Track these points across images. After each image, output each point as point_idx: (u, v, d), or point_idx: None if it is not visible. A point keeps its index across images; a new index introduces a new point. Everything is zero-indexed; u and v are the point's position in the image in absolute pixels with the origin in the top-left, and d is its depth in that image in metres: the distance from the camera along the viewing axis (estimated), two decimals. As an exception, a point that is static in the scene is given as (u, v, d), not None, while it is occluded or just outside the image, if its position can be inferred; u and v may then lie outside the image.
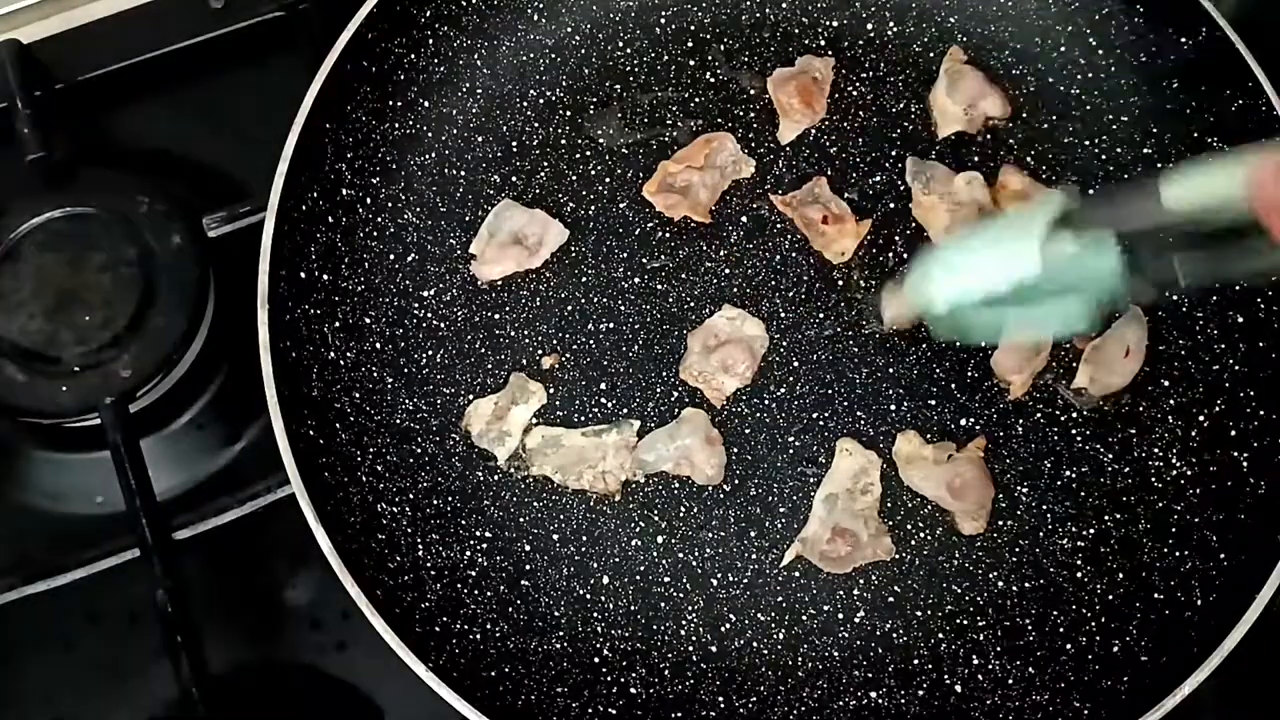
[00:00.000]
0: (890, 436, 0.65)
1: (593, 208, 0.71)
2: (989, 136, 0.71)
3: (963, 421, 0.65)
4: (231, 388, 0.71)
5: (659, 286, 0.69)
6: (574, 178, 0.72)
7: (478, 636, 0.61)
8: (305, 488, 0.59)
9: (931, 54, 0.73)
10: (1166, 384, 0.66)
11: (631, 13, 0.75)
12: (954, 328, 0.57)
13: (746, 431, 0.66)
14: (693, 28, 0.75)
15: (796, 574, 0.63)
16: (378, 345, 0.68)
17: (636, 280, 0.69)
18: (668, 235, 0.70)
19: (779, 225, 0.70)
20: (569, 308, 0.69)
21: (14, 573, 0.64)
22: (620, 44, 0.74)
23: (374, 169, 0.70)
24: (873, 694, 0.61)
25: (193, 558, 0.64)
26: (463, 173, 0.72)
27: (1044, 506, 0.64)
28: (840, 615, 0.62)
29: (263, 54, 0.77)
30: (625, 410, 0.66)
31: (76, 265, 0.68)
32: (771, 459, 0.65)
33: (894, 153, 0.71)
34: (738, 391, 0.66)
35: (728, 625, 0.62)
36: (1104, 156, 0.70)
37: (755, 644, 0.62)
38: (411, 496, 0.65)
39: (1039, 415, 0.65)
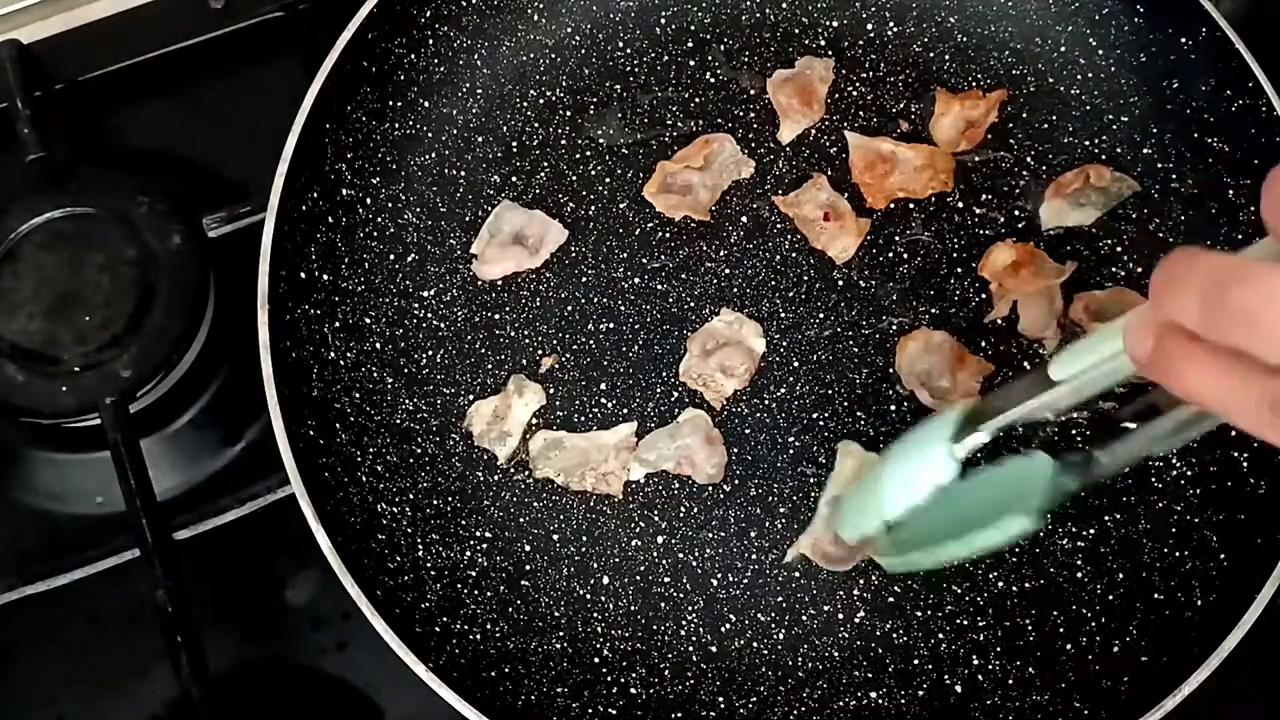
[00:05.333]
0: (890, 437, 0.65)
1: (593, 208, 0.71)
2: (989, 136, 0.71)
3: (963, 421, 0.65)
4: (231, 388, 0.71)
5: (659, 286, 0.69)
6: (574, 178, 0.72)
7: (478, 636, 0.61)
8: (305, 488, 0.59)
9: (931, 54, 0.73)
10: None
11: (631, 13, 0.75)
12: (901, 559, 0.55)
13: (746, 432, 0.66)
14: (693, 28, 0.75)
15: (796, 574, 0.63)
16: (378, 345, 0.68)
17: (636, 280, 0.69)
18: (668, 235, 0.70)
19: (779, 225, 0.70)
20: (569, 308, 0.69)
21: (14, 573, 0.64)
22: (620, 44, 0.74)
23: (374, 169, 0.70)
24: (873, 694, 0.61)
25: (193, 558, 0.64)
26: (463, 173, 0.72)
27: (1044, 506, 0.64)
28: (840, 615, 0.62)
29: (263, 54, 0.77)
30: (625, 411, 0.66)
31: (76, 265, 0.68)
32: (771, 459, 0.65)
33: (894, 153, 0.71)
34: (737, 392, 0.66)
35: (728, 625, 0.62)
36: (1104, 157, 0.70)
37: (755, 644, 0.62)
38: (411, 496, 0.65)
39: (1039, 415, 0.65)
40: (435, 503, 0.65)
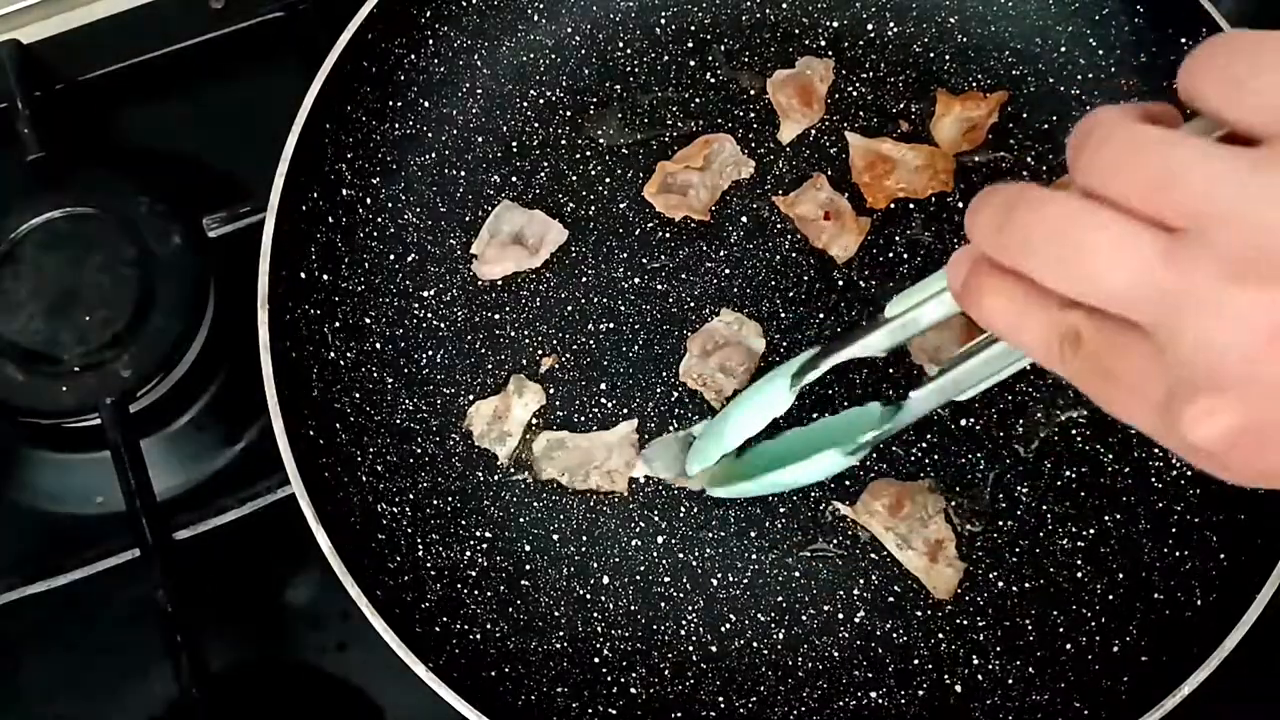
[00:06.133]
0: (890, 436, 0.65)
1: (593, 208, 0.71)
2: (989, 137, 0.71)
3: (963, 421, 0.65)
4: (231, 388, 0.71)
5: (659, 287, 0.69)
6: (574, 178, 0.72)
7: (478, 636, 0.61)
8: (305, 488, 0.59)
9: (931, 54, 0.73)
10: (1166, 384, 0.65)
11: (631, 13, 0.75)
12: (729, 488, 0.62)
13: (746, 431, 0.66)
14: (693, 28, 0.75)
15: (797, 574, 0.63)
16: (378, 345, 0.68)
17: (636, 280, 0.69)
18: (668, 235, 0.70)
19: (779, 225, 0.70)
20: (569, 308, 0.69)
21: (14, 573, 0.64)
22: (620, 44, 0.74)
23: (374, 169, 0.70)
24: (873, 694, 0.61)
25: (193, 558, 0.64)
26: (463, 173, 0.72)
27: (1044, 506, 0.64)
28: (840, 615, 0.62)
29: (263, 54, 0.77)
30: (625, 411, 0.66)
31: (76, 265, 0.68)
32: (771, 459, 0.65)
33: (894, 153, 0.71)
34: (737, 391, 0.66)
35: (728, 625, 0.62)
36: (1104, 156, 0.70)
37: (755, 644, 0.62)
38: (411, 496, 0.65)
39: (1039, 415, 0.65)
40: (435, 503, 0.65)
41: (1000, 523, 0.64)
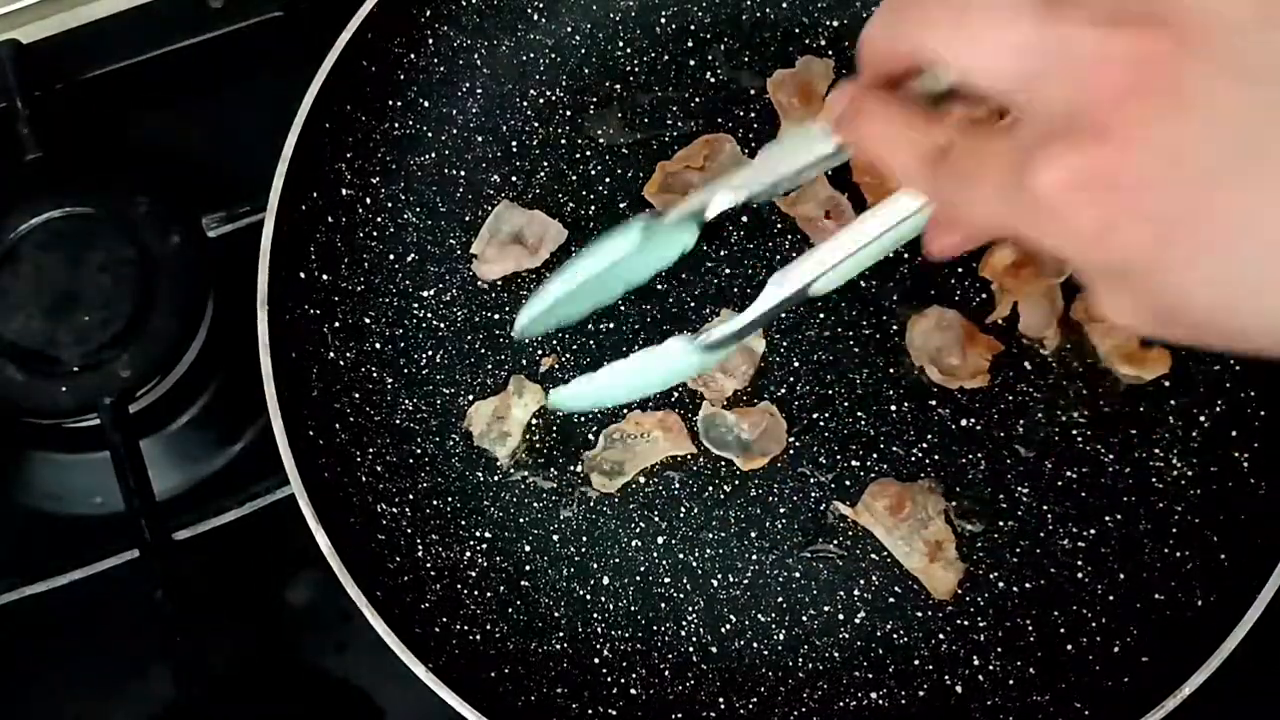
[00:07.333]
0: (891, 437, 0.65)
1: (593, 208, 0.71)
2: (989, 136, 0.71)
3: (963, 422, 0.65)
4: (231, 388, 0.71)
5: (659, 286, 0.69)
6: (574, 178, 0.72)
7: (478, 637, 0.61)
8: (305, 488, 0.59)
9: (932, 54, 0.73)
10: (1167, 384, 0.65)
11: (631, 13, 0.75)
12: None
13: (746, 432, 0.66)
14: (693, 28, 0.75)
15: (797, 574, 0.63)
16: (378, 345, 0.68)
17: (636, 280, 0.69)
18: (668, 235, 0.70)
19: (779, 225, 0.70)
20: (569, 308, 0.69)
21: (14, 573, 0.64)
22: (620, 44, 0.74)
23: (374, 169, 0.70)
24: (873, 694, 0.61)
25: (193, 558, 0.64)
26: (463, 173, 0.72)
27: (1044, 506, 0.64)
28: (840, 616, 0.62)
29: (263, 54, 0.77)
30: (624, 411, 0.66)
31: (76, 265, 0.68)
32: (771, 459, 0.65)
33: (894, 153, 0.71)
34: (737, 392, 0.66)
35: (728, 625, 0.62)
36: (1104, 156, 0.71)
37: (755, 644, 0.62)
38: (411, 496, 0.65)
39: (1039, 415, 0.65)
40: (435, 503, 0.65)
41: (1000, 523, 0.64)
